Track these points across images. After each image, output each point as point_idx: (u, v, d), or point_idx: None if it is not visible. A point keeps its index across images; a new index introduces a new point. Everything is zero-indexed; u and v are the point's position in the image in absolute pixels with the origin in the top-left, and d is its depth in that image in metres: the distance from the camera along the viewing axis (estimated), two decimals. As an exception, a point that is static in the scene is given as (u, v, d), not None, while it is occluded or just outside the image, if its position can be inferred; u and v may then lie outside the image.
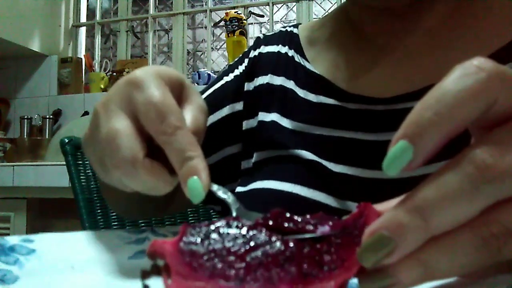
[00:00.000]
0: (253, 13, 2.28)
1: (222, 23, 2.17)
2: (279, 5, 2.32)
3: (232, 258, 0.26)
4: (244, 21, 2.09)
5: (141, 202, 0.53)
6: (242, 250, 0.27)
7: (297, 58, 0.58)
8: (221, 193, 0.35)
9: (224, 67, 0.72)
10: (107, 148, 0.33)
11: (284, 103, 0.55)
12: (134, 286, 0.32)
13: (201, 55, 2.49)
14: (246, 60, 0.62)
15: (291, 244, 0.27)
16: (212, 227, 0.28)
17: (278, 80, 0.57)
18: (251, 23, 2.47)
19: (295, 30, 0.62)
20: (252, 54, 0.62)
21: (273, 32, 0.65)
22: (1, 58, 2.37)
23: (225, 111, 0.60)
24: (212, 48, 2.40)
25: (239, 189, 0.54)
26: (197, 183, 0.31)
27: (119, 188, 0.35)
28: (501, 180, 0.20)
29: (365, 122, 0.49)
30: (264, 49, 0.61)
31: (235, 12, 2.11)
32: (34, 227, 1.80)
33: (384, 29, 0.52)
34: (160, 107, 0.32)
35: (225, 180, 0.59)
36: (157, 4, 2.52)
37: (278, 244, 0.27)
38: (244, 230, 0.28)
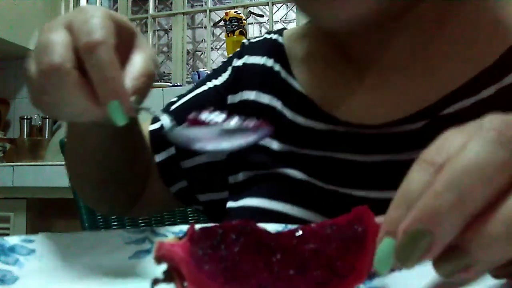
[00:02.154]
0: (253, 13, 2.28)
1: (222, 23, 2.17)
2: (279, 5, 2.32)
3: (246, 265, 0.25)
4: (243, 21, 2.09)
5: (109, 185, 0.54)
6: (256, 256, 0.26)
7: (284, 74, 0.55)
8: (147, 108, 0.36)
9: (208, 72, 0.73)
10: (40, 55, 0.34)
11: (272, 124, 0.52)
12: (134, 286, 0.32)
13: (200, 55, 2.49)
14: (230, 69, 0.59)
15: (305, 251, 0.26)
16: (224, 230, 0.27)
17: (265, 98, 0.54)
18: (251, 23, 2.47)
19: (280, 39, 0.58)
20: (236, 63, 0.59)
21: (258, 39, 0.61)
22: (1, 58, 2.37)
23: None
24: (211, 48, 2.40)
25: (230, 204, 0.53)
26: (117, 107, 0.32)
27: (52, 115, 0.37)
28: None
29: (356, 144, 0.47)
30: (249, 59, 0.58)
31: (234, 12, 2.11)
32: (34, 227, 1.80)
33: (369, 51, 0.49)
34: (93, 24, 0.33)
35: (209, 186, 0.58)
36: (156, 4, 2.51)
37: (292, 250, 0.27)
38: (255, 236, 0.27)
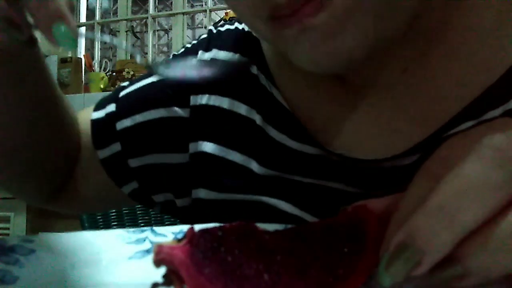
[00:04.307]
0: (253, 13, 2.28)
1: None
2: (279, 5, 2.32)
3: (246, 268, 0.25)
4: (243, 21, 2.09)
5: (19, 158, 0.47)
6: (257, 259, 0.26)
7: (263, 79, 0.45)
8: (111, 40, 0.33)
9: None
10: None
11: (250, 141, 0.44)
12: (134, 286, 0.32)
13: (201, 55, 2.49)
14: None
15: (306, 253, 0.26)
16: (223, 233, 0.27)
17: (241, 109, 0.45)
18: (251, 23, 2.47)
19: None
20: (203, 56, 0.48)
21: (228, 27, 0.50)
22: (1, 58, 2.37)
23: (161, 112, 0.49)
24: (212, 48, 2.40)
25: (198, 226, 0.44)
26: (63, 27, 0.29)
27: None
28: None
29: (349, 175, 0.40)
30: (218, 54, 0.48)
31: (234, 12, 2.11)
32: (34, 227, 1.80)
33: (358, 71, 0.41)
34: None
35: (163, 187, 0.50)
36: (156, 4, 2.51)
37: (293, 252, 0.26)
38: (256, 238, 0.27)
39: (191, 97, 0.48)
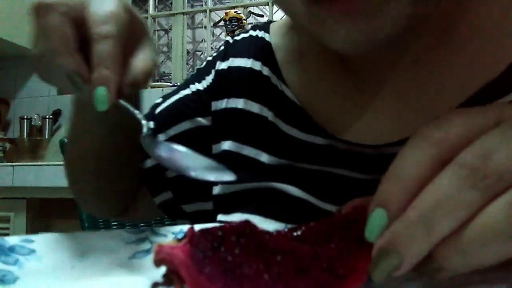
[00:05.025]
0: (253, 13, 2.28)
1: (222, 23, 2.17)
2: (279, 5, 2.32)
3: (247, 267, 0.25)
4: (243, 21, 2.09)
5: (103, 185, 0.54)
6: (257, 259, 0.26)
7: (274, 80, 0.50)
8: (131, 109, 0.37)
9: (190, 74, 0.71)
10: (48, 32, 0.35)
11: (262, 136, 0.49)
12: (134, 286, 0.32)
13: (201, 55, 2.49)
14: (213, 72, 0.55)
15: (306, 253, 0.26)
16: (223, 233, 0.27)
17: (254, 107, 0.50)
18: (251, 23, 2.47)
19: (266, 37, 0.54)
20: (220, 66, 0.55)
21: (242, 36, 0.56)
22: (1, 58, 2.37)
23: (187, 124, 0.55)
24: (212, 48, 2.39)
25: (220, 217, 0.50)
26: (104, 91, 0.34)
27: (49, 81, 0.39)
28: (491, 177, 0.22)
29: (356, 162, 0.43)
30: (234, 62, 0.54)
31: (234, 12, 2.11)
32: (34, 227, 1.80)
33: (371, 61, 0.44)
34: (107, 14, 0.35)
35: (194, 196, 0.55)
36: (156, 4, 2.51)
37: (293, 252, 0.26)
38: (255, 237, 0.27)
39: (212, 103, 0.54)
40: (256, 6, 2.33)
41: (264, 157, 0.48)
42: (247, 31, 0.57)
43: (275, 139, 0.48)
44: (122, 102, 0.36)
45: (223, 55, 0.55)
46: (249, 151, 0.49)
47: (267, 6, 2.27)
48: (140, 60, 0.37)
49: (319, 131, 0.46)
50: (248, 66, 0.52)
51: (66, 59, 0.35)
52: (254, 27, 0.57)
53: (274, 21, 0.57)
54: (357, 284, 0.24)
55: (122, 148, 0.51)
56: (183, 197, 0.56)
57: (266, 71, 0.51)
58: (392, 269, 0.23)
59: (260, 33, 0.55)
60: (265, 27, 0.56)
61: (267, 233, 0.28)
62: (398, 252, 0.22)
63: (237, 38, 0.57)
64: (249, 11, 2.27)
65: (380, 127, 0.44)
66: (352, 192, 0.42)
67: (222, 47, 0.57)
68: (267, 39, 0.54)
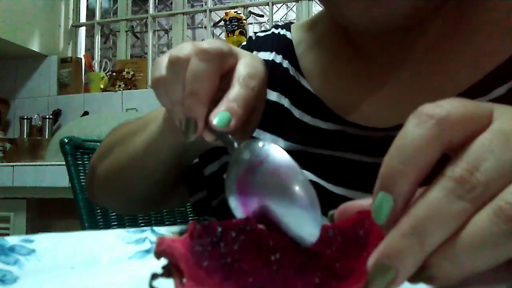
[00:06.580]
0: (253, 13, 2.28)
1: (222, 23, 2.17)
2: (279, 5, 2.32)
3: (245, 263, 0.25)
4: (243, 21, 2.09)
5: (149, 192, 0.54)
6: (256, 255, 0.26)
7: (292, 71, 0.55)
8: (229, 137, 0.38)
9: None
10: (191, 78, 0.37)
11: (278, 123, 0.53)
12: (134, 286, 0.32)
13: (201, 55, 2.49)
14: None
15: (305, 252, 0.26)
16: (224, 228, 0.27)
17: (273, 96, 0.54)
18: (251, 23, 2.47)
19: (288, 35, 0.59)
20: None
21: (265, 33, 0.61)
22: (1, 58, 2.37)
23: None
24: (212, 48, 2.39)
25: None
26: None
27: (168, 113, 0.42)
28: (477, 188, 0.22)
29: (365, 146, 0.47)
30: (257, 55, 0.57)
31: (234, 12, 2.11)
32: (34, 227, 1.80)
33: (384, 48, 0.49)
34: (254, 71, 0.38)
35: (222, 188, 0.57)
36: (156, 4, 2.51)
37: (292, 251, 0.27)
38: (255, 234, 0.27)
39: None
40: (256, 6, 2.33)
41: (281, 143, 0.51)
42: (268, 30, 0.62)
43: (289, 125, 0.52)
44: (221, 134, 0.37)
45: (246, 49, 0.59)
46: (266, 137, 0.53)
47: (267, 6, 2.27)
48: (258, 117, 0.41)
49: (331, 117, 0.49)
50: (271, 58, 0.57)
51: (199, 111, 0.36)
52: (276, 26, 0.62)
53: (294, 22, 0.62)
54: (356, 285, 0.24)
55: (186, 161, 0.53)
56: (215, 191, 0.58)
57: (286, 64, 0.56)
58: (388, 284, 0.23)
59: (282, 31, 0.60)
60: (287, 26, 0.61)
61: (267, 231, 0.28)
62: (394, 266, 0.23)
63: (260, 34, 0.61)
64: (249, 11, 2.27)
65: (390, 111, 0.46)
66: (362, 176, 0.45)
67: (245, 43, 0.62)
68: (288, 36, 0.58)
